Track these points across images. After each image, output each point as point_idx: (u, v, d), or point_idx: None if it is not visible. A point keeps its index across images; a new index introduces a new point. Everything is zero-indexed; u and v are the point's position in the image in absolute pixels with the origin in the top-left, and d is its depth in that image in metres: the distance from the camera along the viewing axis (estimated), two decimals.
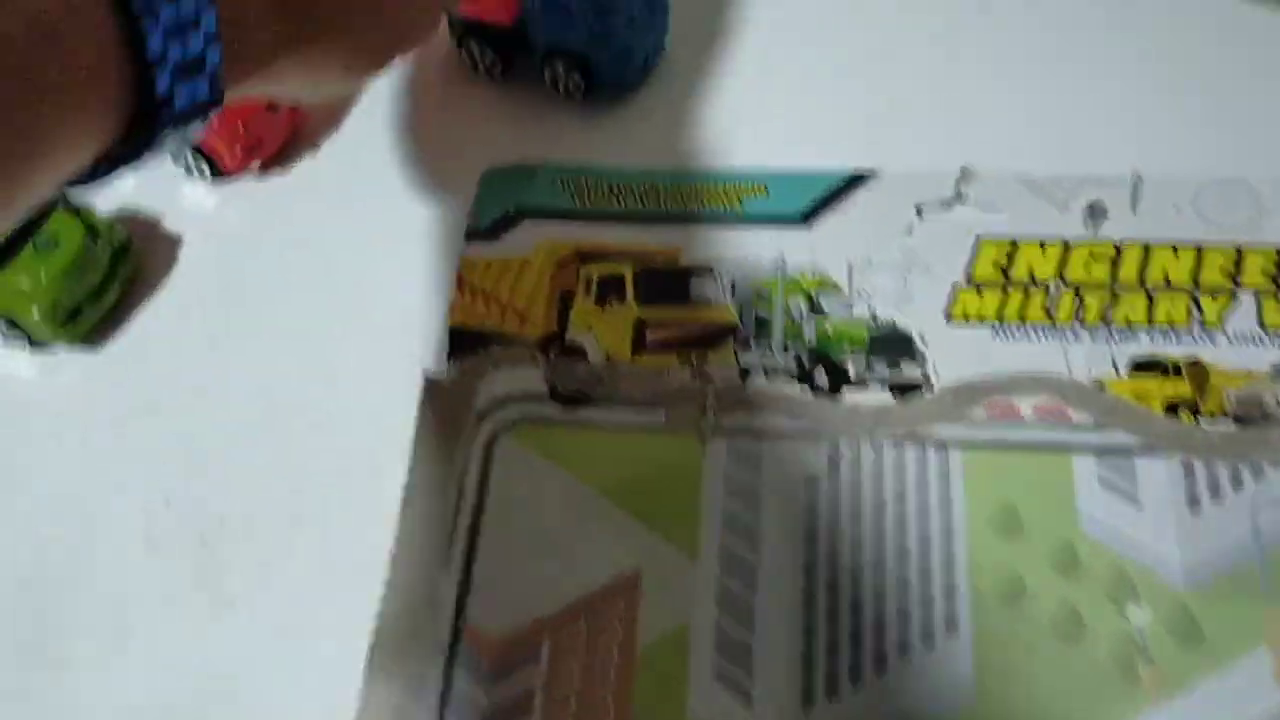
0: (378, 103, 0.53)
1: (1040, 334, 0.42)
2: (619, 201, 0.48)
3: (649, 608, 0.38)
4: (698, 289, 0.45)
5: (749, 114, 0.50)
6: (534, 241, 0.47)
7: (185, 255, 0.49)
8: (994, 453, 0.40)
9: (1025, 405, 0.41)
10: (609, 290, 0.45)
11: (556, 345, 0.44)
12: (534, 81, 0.52)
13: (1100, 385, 0.41)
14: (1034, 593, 0.37)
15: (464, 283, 0.46)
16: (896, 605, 0.37)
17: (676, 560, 0.39)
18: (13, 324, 0.46)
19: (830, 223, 0.46)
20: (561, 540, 0.40)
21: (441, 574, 0.39)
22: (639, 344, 0.44)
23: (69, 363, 0.47)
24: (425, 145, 0.52)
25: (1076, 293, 0.43)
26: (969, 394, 0.41)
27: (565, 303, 0.45)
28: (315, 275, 0.48)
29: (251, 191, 0.51)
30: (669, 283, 0.45)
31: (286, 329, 0.46)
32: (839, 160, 0.47)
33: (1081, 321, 0.42)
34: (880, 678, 0.36)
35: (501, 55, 0.52)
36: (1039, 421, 0.40)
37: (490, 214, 0.48)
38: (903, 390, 0.42)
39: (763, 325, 0.44)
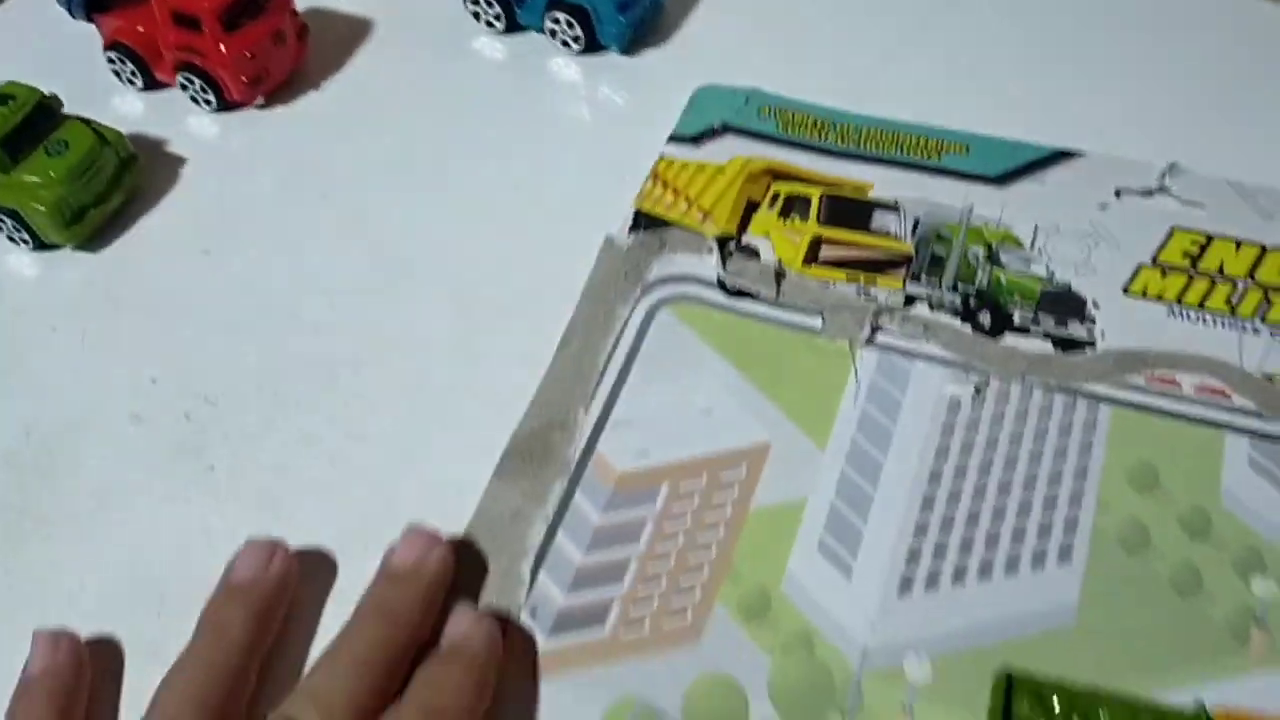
0: (383, 45, 0.61)
1: (1218, 322, 0.45)
2: (821, 135, 0.53)
3: (770, 478, 0.42)
4: (880, 221, 0.49)
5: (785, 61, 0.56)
6: (731, 154, 0.52)
7: (187, 175, 0.56)
8: (1145, 415, 0.42)
9: (1187, 381, 0.43)
10: (794, 207, 0.50)
11: (733, 244, 0.49)
12: (536, 35, 0.59)
13: (1270, 379, 0.43)
14: (1158, 545, 0.39)
15: (658, 176, 0.51)
16: (1014, 525, 0.40)
17: (806, 446, 0.43)
18: (19, 224, 0.52)
19: (1025, 188, 0.50)
20: (701, 405, 0.44)
21: (582, 407, 0.44)
22: (812, 257, 0.48)
23: (70, 263, 0.53)
24: (427, 89, 0.58)
25: (1265, 294, 0.45)
26: (1132, 360, 0.44)
27: (749, 211, 0.50)
28: (312, 195, 0.54)
29: (254, 121, 0.58)
30: (853, 210, 0.49)
31: (279, 241, 0.52)
32: (1036, 135, 0.51)
33: (1264, 319, 0.44)
34: (981, 583, 0.39)
35: (505, 8, 0.59)
36: (1198, 398, 0.43)
37: (696, 124, 0.53)
38: (1065, 346, 0.45)
39: (937, 263, 0.48)
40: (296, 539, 0.42)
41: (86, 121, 0.54)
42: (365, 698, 0.35)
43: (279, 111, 0.58)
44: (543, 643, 0.39)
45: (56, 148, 0.52)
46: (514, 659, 0.39)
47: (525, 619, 0.40)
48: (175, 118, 0.58)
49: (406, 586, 0.38)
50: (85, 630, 0.40)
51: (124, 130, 0.55)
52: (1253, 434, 0.42)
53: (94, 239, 0.53)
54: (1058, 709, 0.33)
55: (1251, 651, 0.37)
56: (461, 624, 0.38)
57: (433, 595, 0.39)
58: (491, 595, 0.40)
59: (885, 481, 0.42)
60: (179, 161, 0.56)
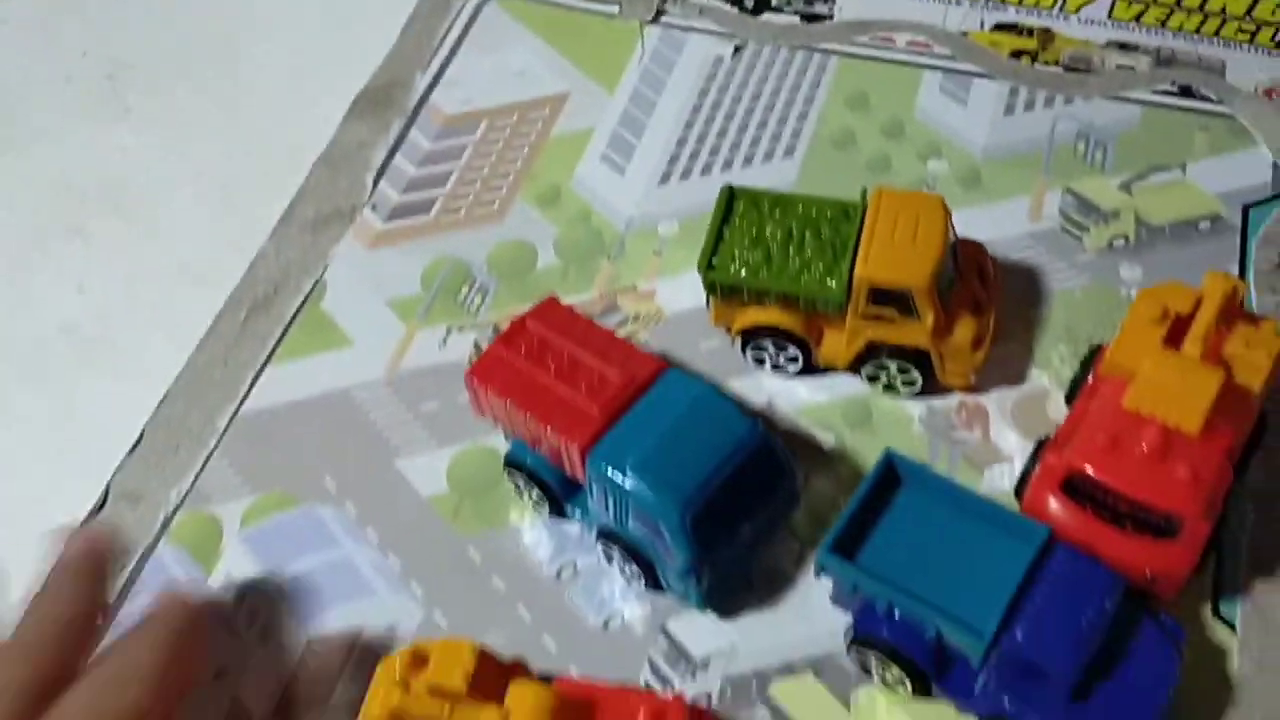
0: None
1: (933, 2, 0.56)
2: None
3: (568, 115, 0.54)
4: None
5: None
6: None
7: None
8: (865, 62, 0.54)
9: (901, 39, 0.55)
10: None
11: None
12: None
13: (965, 34, 0.55)
14: (860, 143, 0.51)
15: None
16: (752, 135, 0.52)
17: (598, 92, 0.54)
18: None
19: None
20: (516, 68, 0.56)
21: (419, 71, 0.55)
22: None
23: None
24: None
25: None
26: (860, 26, 0.56)
27: None
28: None
29: None
30: None
31: None
32: None
33: None
34: (723, 173, 0.51)
35: None
36: (907, 48, 0.55)
37: None
38: (810, 20, 0.56)
39: None
40: (192, 161, 0.54)
41: None
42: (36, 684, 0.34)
43: None
44: (380, 226, 0.51)
45: None
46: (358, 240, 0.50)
47: (368, 211, 0.51)
48: None
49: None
50: (29, 221, 0.52)
51: None
52: (945, 70, 0.54)
53: None
54: (765, 207, 0.45)
55: None
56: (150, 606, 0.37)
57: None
58: (340, 199, 0.52)
59: (658, 112, 0.53)
60: None
